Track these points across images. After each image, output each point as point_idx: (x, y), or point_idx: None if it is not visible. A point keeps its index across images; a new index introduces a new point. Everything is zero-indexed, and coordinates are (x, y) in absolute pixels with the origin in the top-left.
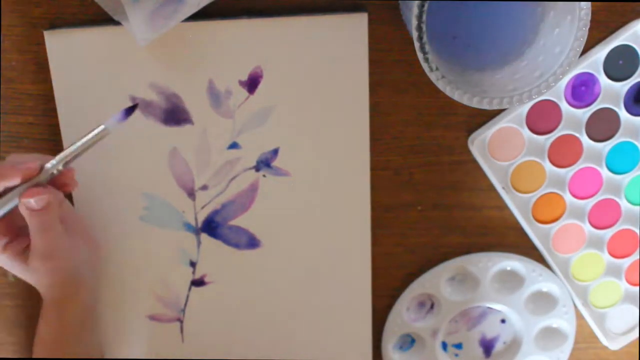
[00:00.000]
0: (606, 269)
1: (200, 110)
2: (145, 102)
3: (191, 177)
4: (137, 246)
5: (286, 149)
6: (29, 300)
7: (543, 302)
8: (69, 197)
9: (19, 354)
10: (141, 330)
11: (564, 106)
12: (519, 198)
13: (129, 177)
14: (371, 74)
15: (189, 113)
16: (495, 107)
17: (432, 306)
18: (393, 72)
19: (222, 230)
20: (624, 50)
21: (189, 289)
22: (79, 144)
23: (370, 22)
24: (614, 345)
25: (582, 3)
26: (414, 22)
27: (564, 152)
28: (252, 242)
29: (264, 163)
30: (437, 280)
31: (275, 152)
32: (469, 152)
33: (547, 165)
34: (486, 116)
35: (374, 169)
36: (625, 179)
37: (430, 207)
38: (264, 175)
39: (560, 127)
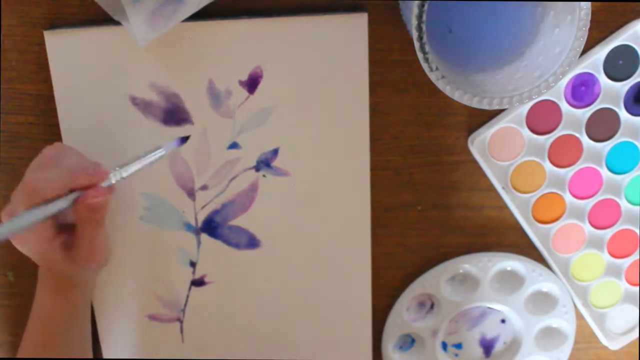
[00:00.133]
0: (606, 269)
1: (200, 110)
2: (145, 102)
3: (191, 177)
4: (137, 246)
5: (286, 149)
6: (29, 300)
7: (543, 302)
8: None
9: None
10: (141, 330)
11: (564, 106)
12: (519, 198)
13: (129, 177)
14: (371, 74)
15: (189, 113)
16: (495, 107)
17: (432, 306)
18: (393, 72)
19: (222, 230)
20: (624, 50)
21: (189, 289)
22: (142, 164)
23: (370, 22)
24: (614, 345)
25: (582, 3)
26: (414, 22)
27: (564, 152)
28: (252, 242)
29: (264, 163)
30: (437, 280)
31: (275, 152)
32: (469, 152)
33: (547, 165)
34: (486, 116)
35: (374, 169)
36: (625, 179)
37: (430, 207)
38: (264, 175)
39: (560, 127)
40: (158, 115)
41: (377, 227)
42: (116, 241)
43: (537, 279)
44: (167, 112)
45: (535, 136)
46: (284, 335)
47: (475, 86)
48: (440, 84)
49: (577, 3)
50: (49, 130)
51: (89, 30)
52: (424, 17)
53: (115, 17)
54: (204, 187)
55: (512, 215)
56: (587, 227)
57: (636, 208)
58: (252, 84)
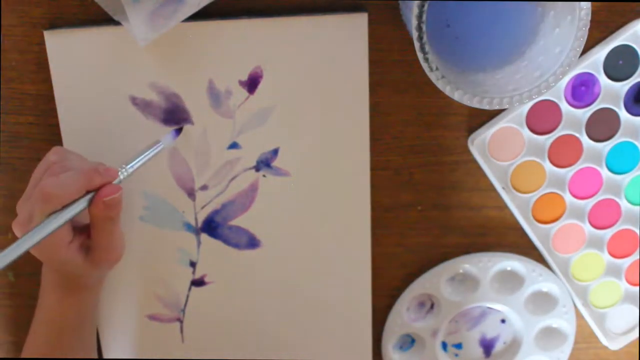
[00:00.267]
0: (606, 269)
1: (200, 110)
2: (145, 102)
3: (191, 177)
4: (137, 246)
5: (286, 149)
6: (29, 300)
7: (543, 302)
8: None
9: (18, 354)
10: (141, 330)
11: (564, 106)
12: (519, 198)
13: (128, 177)
14: (371, 74)
15: (189, 113)
16: (495, 107)
17: (432, 306)
18: (393, 72)
19: (222, 230)
20: (624, 50)
21: (189, 289)
22: (144, 159)
23: (370, 22)
24: (614, 345)
25: (582, 3)
26: (414, 22)
27: (564, 152)
28: (252, 242)
29: (264, 163)
30: (437, 280)
31: (275, 152)
32: (469, 152)
33: (547, 165)
34: (486, 116)
35: (374, 169)
36: (625, 179)
37: (430, 207)
38: (264, 175)
39: (560, 127)
40: (158, 115)
41: (377, 227)
42: None
43: (537, 279)
44: (167, 112)
45: (535, 136)
46: (284, 335)
47: (475, 86)
48: (440, 84)
49: (577, 3)
50: (49, 130)
51: (89, 30)
52: (424, 17)
53: (115, 17)
54: (204, 187)
55: (512, 215)
56: (587, 227)
57: (636, 208)
58: (252, 84)
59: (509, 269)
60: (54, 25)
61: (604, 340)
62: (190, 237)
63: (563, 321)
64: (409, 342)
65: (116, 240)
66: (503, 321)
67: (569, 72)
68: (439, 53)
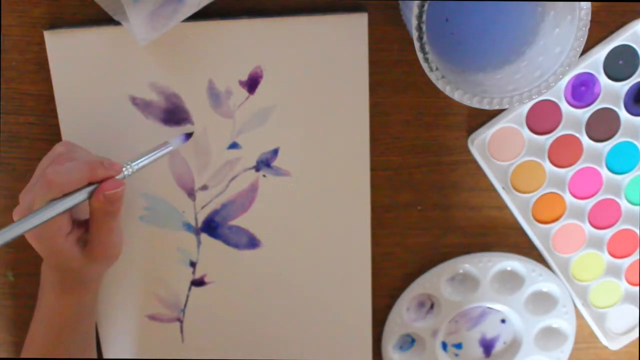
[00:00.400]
0: (606, 269)
1: (200, 110)
2: (145, 102)
3: (191, 177)
4: (137, 246)
5: (286, 149)
6: (29, 300)
7: (543, 302)
8: None
9: (19, 354)
10: (141, 330)
11: (564, 106)
12: (519, 198)
13: (129, 177)
14: (371, 74)
15: (189, 113)
16: (495, 107)
17: (432, 306)
18: (393, 72)
19: (222, 230)
20: (624, 50)
21: (189, 289)
22: (151, 159)
23: (370, 22)
24: (614, 345)
25: (582, 3)
26: (414, 22)
27: (564, 152)
28: (252, 242)
29: (264, 163)
30: (437, 280)
31: (275, 152)
32: (469, 152)
33: (547, 165)
34: (486, 116)
35: (374, 169)
36: (625, 179)
37: (430, 207)
38: (264, 175)
39: (560, 127)
40: (158, 115)
41: (377, 227)
42: None
43: (537, 279)
44: (167, 112)
45: (535, 136)
46: (284, 335)
47: (475, 86)
48: (440, 84)
49: (577, 3)
50: (49, 130)
51: (89, 30)
52: (424, 17)
53: (115, 17)
54: (204, 187)
55: (512, 215)
56: (587, 227)
57: (636, 208)
58: (252, 84)
59: (509, 269)
60: (54, 25)
61: (604, 340)
62: (190, 237)
63: (563, 321)
64: (409, 342)
65: (114, 237)
66: (503, 321)
67: (569, 72)
68: (439, 53)
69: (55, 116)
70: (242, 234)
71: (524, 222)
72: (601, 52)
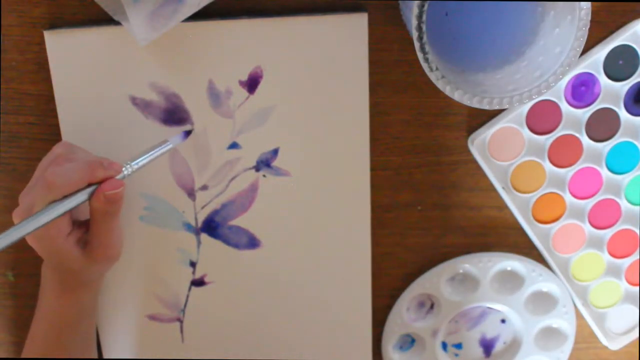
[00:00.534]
0: (606, 269)
1: (200, 110)
2: (145, 102)
3: (191, 177)
4: (137, 246)
5: (286, 149)
6: (29, 300)
7: (543, 302)
8: None
9: (19, 354)
10: (141, 330)
11: (564, 106)
12: (519, 198)
13: (129, 177)
14: (371, 74)
15: (189, 113)
16: (495, 107)
17: (432, 306)
18: (393, 72)
19: (222, 230)
20: (624, 50)
21: (189, 289)
22: (150, 157)
23: (370, 22)
24: (614, 345)
25: (582, 3)
26: (414, 22)
27: (564, 152)
28: (252, 242)
29: (264, 163)
30: (437, 280)
31: (275, 152)
32: (469, 152)
33: (547, 165)
34: (486, 116)
35: (374, 169)
36: (625, 179)
37: (430, 207)
38: (264, 175)
39: (560, 127)
40: (158, 115)
41: (377, 227)
42: None
43: (537, 279)
44: (167, 112)
45: (535, 136)
46: (284, 335)
47: (475, 86)
48: (440, 84)
49: (577, 3)
50: (49, 130)
51: (89, 30)
52: (424, 17)
53: (115, 17)
54: (204, 187)
55: (512, 215)
56: (587, 227)
57: (636, 208)
58: (252, 84)
59: (509, 269)
60: (54, 25)
61: (604, 340)
62: (190, 237)
63: (563, 321)
64: (409, 342)
65: (115, 237)
66: (503, 321)
67: (569, 72)
68: (439, 53)
69: (55, 116)
70: (242, 234)
71: (524, 222)
72: (601, 52)
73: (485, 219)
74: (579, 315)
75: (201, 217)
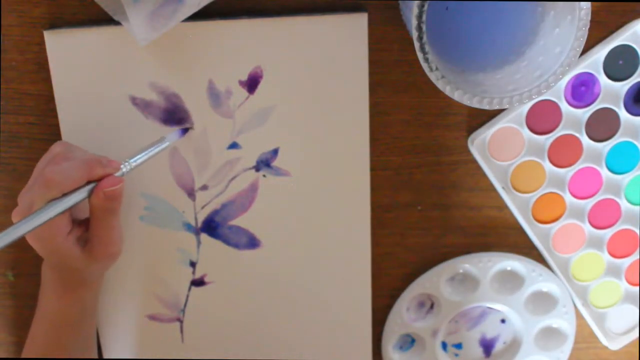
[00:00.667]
0: (606, 269)
1: (200, 110)
2: (145, 102)
3: (191, 177)
4: (137, 246)
5: (286, 149)
6: (29, 300)
7: (543, 302)
8: None
9: (19, 354)
10: (141, 330)
11: (564, 106)
12: (519, 198)
13: (129, 177)
14: (371, 74)
15: (189, 113)
16: (495, 107)
17: (432, 306)
18: (393, 72)
19: (222, 230)
20: (624, 50)
21: (189, 289)
22: (148, 155)
23: (370, 22)
24: (614, 345)
25: (582, 3)
26: (414, 22)
27: (564, 152)
28: (252, 242)
29: (264, 163)
30: (437, 280)
31: (275, 152)
32: (469, 152)
33: (547, 165)
34: (486, 116)
35: (374, 169)
36: (625, 179)
37: (430, 207)
38: (264, 175)
39: (560, 127)
40: (158, 115)
41: (377, 227)
42: None
43: (537, 279)
44: (167, 112)
45: (535, 136)
46: (284, 335)
47: (475, 86)
48: (440, 84)
49: (577, 3)
50: (49, 130)
51: (89, 30)
52: (424, 17)
53: (115, 17)
54: (204, 187)
55: (512, 215)
56: (587, 227)
57: (636, 208)
58: (252, 84)
59: (509, 269)
60: (54, 25)
61: (604, 340)
62: (190, 237)
63: (563, 321)
64: (409, 342)
65: (115, 234)
66: (503, 321)
67: (569, 72)
68: (439, 53)
69: (55, 116)
70: (242, 234)
71: (524, 222)
72: (601, 52)
73: (485, 219)
74: (579, 315)
75: (201, 217)
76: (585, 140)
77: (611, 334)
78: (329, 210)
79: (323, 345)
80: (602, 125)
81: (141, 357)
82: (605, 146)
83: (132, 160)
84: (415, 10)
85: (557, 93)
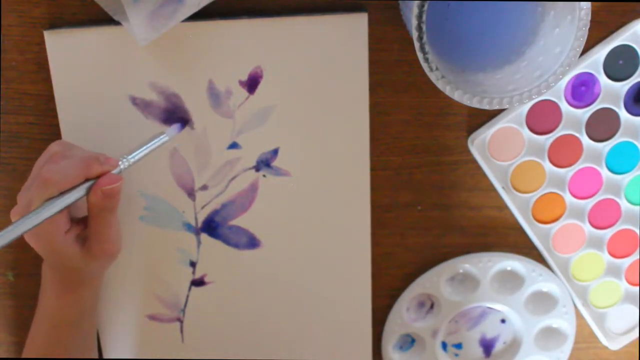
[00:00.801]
0: (606, 269)
1: (200, 110)
2: (145, 102)
3: (191, 177)
4: (137, 246)
5: (286, 149)
6: (29, 300)
7: (543, 302)
8: None
9: (19, 354)
10: (141, 330)
11: (564, 106)
12: (519, 198)
13: (129, 177)
14: (371, 74)
15: (189, 113)
16: (495, 107)
17: (432, 306)
18: (393, 72)
19: (222, 230)
20: (624, 50)
21: (189, 289)
22: (146, 150)
23: (370, 22)
24: (614, 345)
25: (582, 3)
26: (414, 22)
27: (564, 152)
28: (252, 242)
29: (264, 163)
30: (437, 280)
31: (275, 152)
32: (469, 152)
33: (547, 165)
34: (486, 116)
35: (374, 169)
36: (625, 179)
37: (430, 207)
38: (264, 175)
39: (560, 127)
40: (158, 115)
41: (377, 227)
42: None
43: (537, 279)
44: (167, 112)
45: (535, 136)
46: (284, 335)
47: (475, 86)
48: (440, 84)
49: (577, 3)
50: (49, 130)
51: (89, 30)
52: (424, 17)
53: (115, 17)
54: (204, 187)
55: (512, 215)
56: (587, 227)
57: (636, 208)
58: (252, 84)
59: (509, 269)
60: (54, 25)
61: (604, 340)
62: (190, 237)
63: (563, 321)
64: (409, 342)
65: (113, 232)
66: (503, 321)
67: (569, 72)
68: (439, 53)
69: (55, 116)
70: (242, 234)
71: (524, 222)
72: (601, 52)
73: (485, 219)
74: (579, 315)
75: (201, 217)
76: (585, 140)
77: (611, 334)
78: (329, 210)
79: (323, 345)
80: (602, 125)
81: (141, 357)
82: (606, 146)
83: (130, 157)
84: (415, 10)
85: (557, 93)
